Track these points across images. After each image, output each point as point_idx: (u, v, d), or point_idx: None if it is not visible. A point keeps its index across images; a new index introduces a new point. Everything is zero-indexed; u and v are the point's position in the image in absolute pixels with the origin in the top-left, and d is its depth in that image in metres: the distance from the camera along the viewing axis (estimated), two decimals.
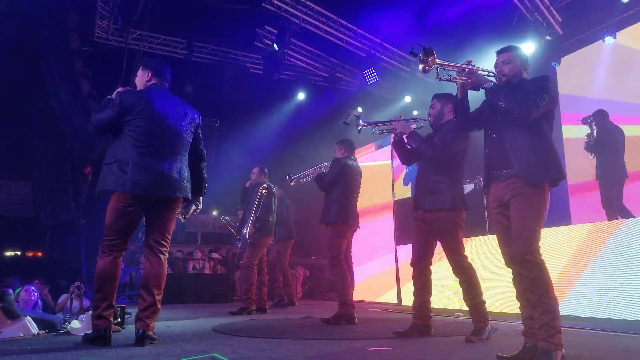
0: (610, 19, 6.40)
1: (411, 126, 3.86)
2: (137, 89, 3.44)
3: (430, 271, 3.75)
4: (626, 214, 5.64)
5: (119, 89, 3.30)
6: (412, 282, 3.81)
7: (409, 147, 3.90)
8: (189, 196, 3.37)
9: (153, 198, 3.18)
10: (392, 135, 3.92)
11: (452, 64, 2.85)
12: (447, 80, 2.89)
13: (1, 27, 7.25)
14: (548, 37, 6.90)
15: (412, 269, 3.79)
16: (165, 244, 3.30)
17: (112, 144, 3.25)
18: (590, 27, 6.71)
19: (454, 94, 3.38)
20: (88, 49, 8.01)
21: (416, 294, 3.76)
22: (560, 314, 2.60)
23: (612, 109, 6.17)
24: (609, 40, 6.36)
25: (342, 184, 4.84)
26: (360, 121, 4.00)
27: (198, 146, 3.53)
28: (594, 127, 6.04)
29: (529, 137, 2.70)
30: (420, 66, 2.81)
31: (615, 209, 5.80)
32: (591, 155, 6.13)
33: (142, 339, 3.06)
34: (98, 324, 3.07)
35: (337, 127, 9.59)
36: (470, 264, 3.66)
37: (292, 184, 5.20)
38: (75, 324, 3.98)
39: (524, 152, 2.69)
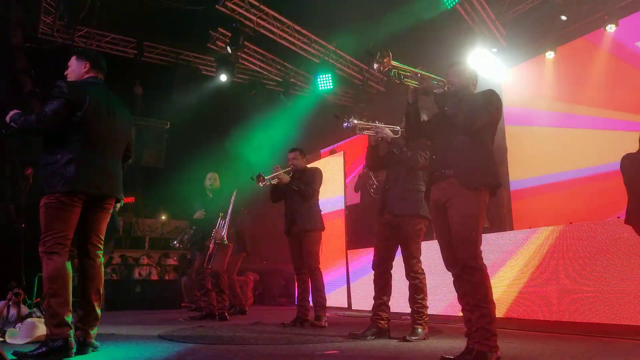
0: (551, 35, 6.75)
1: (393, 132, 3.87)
2: (75, 81, 3.19)
3: (390, 274, 3.89)
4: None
5: (59, 82, 3.07)
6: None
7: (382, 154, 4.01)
8: (122, 197, 3.27)
9: (95, 197, 3.03)
10: (371, 138, 3.91)
11: (405, 67, 2.90)
12: (399, 82, 2.92)
13: None
14: (494, 49, 7.18)
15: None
16: (101, 246, 3.16)
17: (51, 142, 3.02)
18: (532, 41, 7.03)
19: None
20: (31, 45, 7.65)
21: (375, 296, 3.88)
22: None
23: (558, 119, 6.52)
24: (549, 54, 6.70)
25: (318, 191, 5.03)
26: (353, 119, 3.88)
27: (130, 146, 3.39)
28: None
29: (470, 143, 2.80)
30: (376, 66, 2.83)
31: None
32: None
33: (84, 346, 2.92)
34: (59, 333, 2.78)
35: (290, 132, 9.61)
36: (423, 270, 3.83)
37: (260, 184, 4.93)
38: (12, 332, 3.79)
39: (463, 156, 2.78)
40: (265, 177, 4.90)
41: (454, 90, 2.91)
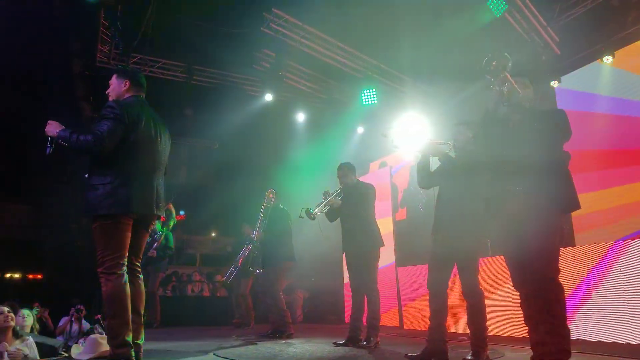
0: (608, 39, 6.46)
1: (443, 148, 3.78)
2: (121, 100, 3.17)
3: (446, 295, 3.71)
4: None
5: (110, 102, 3.09)
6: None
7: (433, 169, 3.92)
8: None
9: (145, 216, 3.08)
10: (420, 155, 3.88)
11: (509, 75, 2.80)
12: (497, 88, 2.84)
13: (3, 54, 7.33)
14: (544, 57, 6.96)
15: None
16: (139, 264, 3.22)
17: (101, 162, 2.99)
18: (588, 46, 6.76)
19: None
20: (90, 73, 8.06)
21: (431, 317, 3.71)
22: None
23: (618, 125, 6.21)
24: (607, 59, 6.41)
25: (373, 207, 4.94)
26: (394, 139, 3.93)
27: (167, 162, 3.38)
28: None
29: (548, 160, 2.69)
30: (491, 67, 2.78)
31: None
32: None
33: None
34: (121, 353, 2.83)
35: (337, 149, 9.62)
36: (482, 290, 3.64)
37: (312, 219, 4.82)
38: (76, 348, 3.93)
39: (545, 172, 2.66)
40: (314, 211, 4.83)
41: (524, 103, 2.84)
